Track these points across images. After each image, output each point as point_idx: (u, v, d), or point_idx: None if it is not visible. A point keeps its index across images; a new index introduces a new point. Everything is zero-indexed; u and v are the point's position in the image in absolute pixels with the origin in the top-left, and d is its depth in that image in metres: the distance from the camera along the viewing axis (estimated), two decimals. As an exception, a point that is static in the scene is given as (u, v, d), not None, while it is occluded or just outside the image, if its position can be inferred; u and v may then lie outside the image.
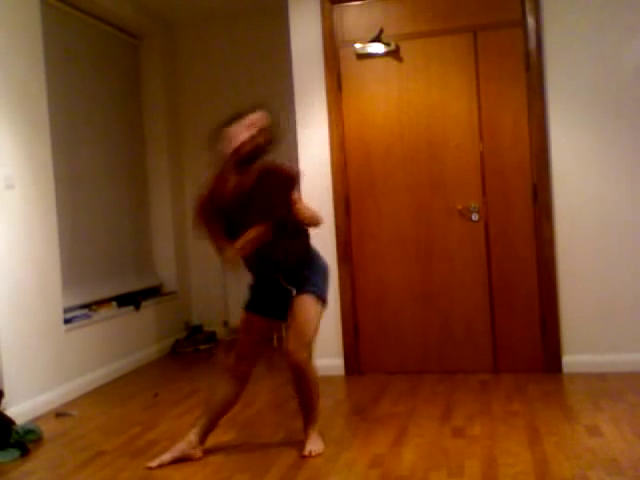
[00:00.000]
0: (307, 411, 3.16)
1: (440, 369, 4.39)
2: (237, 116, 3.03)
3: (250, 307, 3.17)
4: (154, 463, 3.05)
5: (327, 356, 4.54)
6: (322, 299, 3.11)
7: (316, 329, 3.09)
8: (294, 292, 3.08)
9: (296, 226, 3.09)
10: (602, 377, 4.03)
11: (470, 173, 4.32)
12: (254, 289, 3.19)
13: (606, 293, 4.15)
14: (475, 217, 4.32)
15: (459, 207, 4.34)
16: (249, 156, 3.00)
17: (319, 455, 3.06)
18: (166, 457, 3.09)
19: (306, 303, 3.06)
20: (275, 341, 5.47)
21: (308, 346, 3.04)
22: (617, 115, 4.11)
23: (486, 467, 2.80)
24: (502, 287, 4.31)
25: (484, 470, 2.77)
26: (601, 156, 4.14)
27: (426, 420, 3.47)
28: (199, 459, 3.10)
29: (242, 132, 2.98)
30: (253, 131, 2.99)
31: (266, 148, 3.04)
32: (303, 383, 3.08)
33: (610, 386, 3.87)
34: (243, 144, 2.97)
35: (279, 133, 3.10)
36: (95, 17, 5.23)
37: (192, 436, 3.13)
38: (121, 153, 5.60)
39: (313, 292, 3.07)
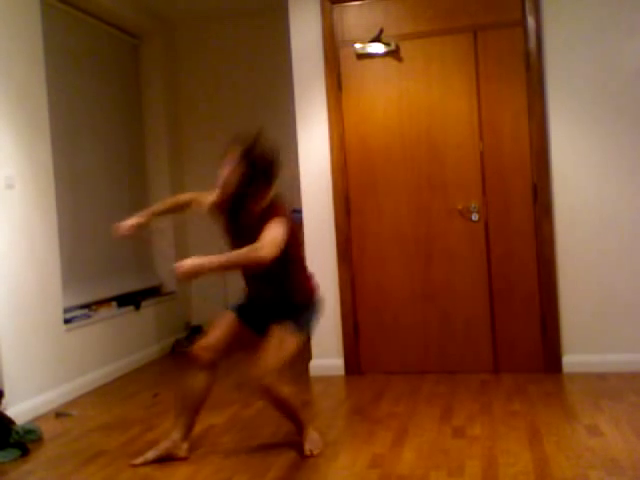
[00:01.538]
0: (293, 421, 3.16)
1: (440, 369, 4.39)
2: (234, 143, 3.01)
3: (233, 307, 3.19)
4: (138, 461, 3.07)
5: (327, 356, 4.54)
6: (302, 331, 3.08)
7: (286, 359, 3.02)
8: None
9: (287, 267, 3.03)
10: (602, 377, 4.03)
11: (470, 173, 4.32)
12: (244, 294, 3.21)
13: (606, 293, 4.15)
14: (475, 217, 4.32)
15: (459, 207, 4.34)
16: (238, 194, 2.96)
17: (320, 453, 3.07)
18: (150, 455, 3.09)
19: (282, 332, 3.01)
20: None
21: (272, 371, 2.96)
22: (617, 115, 4.11)
23: (486, 467, 2.80)
24: (502, 287, 4.31)
25: (484, 470, 2.78)
26: (601, 156, 4.14)
27: (426, 420, 3.47)
28: (185, 458, 3.10)
29: (221, 175, 3.00)
30: (228, 173, 2.96)
31: (257, 179, 2.95)
32: (275, 404, 3.07)
33: (610, 386, 3.87)
34: (224, 188, 2.99)
35: (268, 159, 3.00)
36: (95, 17, 5.23)
37: (175, 435, 3.13)
38: (121, 153, 5.60)
39: (292, 320, 3.03)
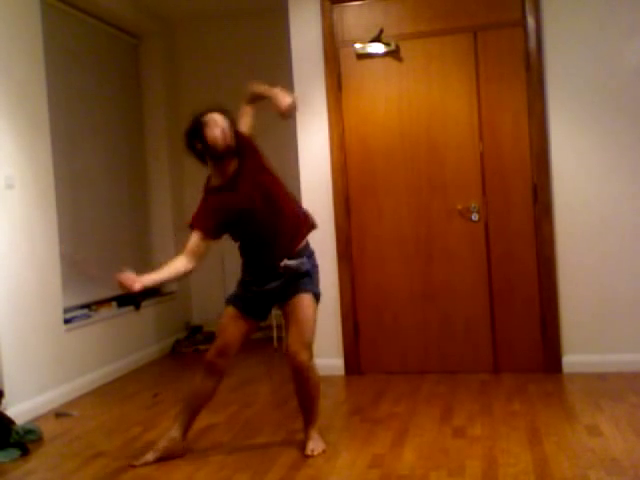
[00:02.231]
0: (307, 412, 3.16)
1: (440, 369, 4.38)
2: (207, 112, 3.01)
3: (234, 302, 3.15)
4: (138, 462, 3.07)
5: (327, 356, 4.54)
6: (317, 296, 3.13)
7: (315, 327, 3.09)
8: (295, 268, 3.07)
9: (293, 212, 3.11)
10: (602, 377, 4.03)
11: (470, 173, 4.32)
12: (243, 285, 3.17)
13: (606, 293, 4.15)
14: (475, 217, 4.32)
15: (459, 207, 4.34)
16: (229, 149, 2.97)
17: (321, 453, 3.07)
18: (150, 457, 3.10)
19: (305, 303, 3.05)
20: (275, 342, 5.48)
21: (309, 346, 3.04)
22: (617, 114, 4.11)
23: (486, 467, 2.80)
24: (502, 287, 4.31)
25: (484, 470, 2.77)
26: (601, 156, 4.14)
27: (426, 420, 3.47)
28: (182, 455, 3.12)
29: (222, 124, 2.97)
30: (227, 126, 2.98)
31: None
32: (304, 385, 3.08)
33: (610, 386, 3.87)
34: (228, 135, 2.96)
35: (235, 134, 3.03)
36: (95, 17, 5.23)
37: (174, 433, 3.14)
38: (121, 153, 5.60)
39: (311, 291, 3.08)
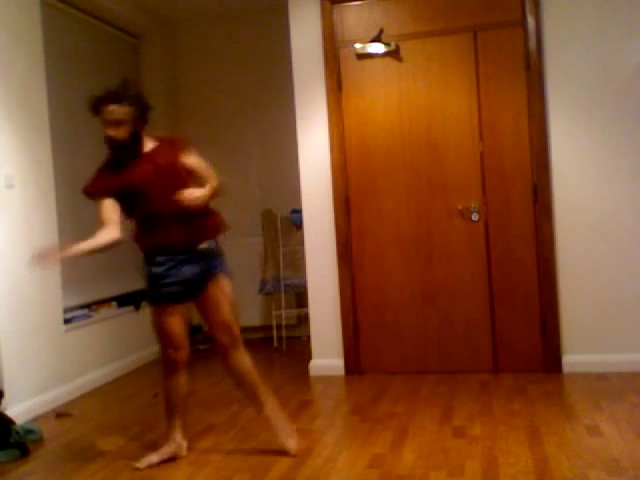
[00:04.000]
0: (255, 396, 3.12)
1: (440, 369, 4.39)
2: (107, 96, 3.24)
3: (161, 300, 3.07)
4: (142, 464, 3.06)
5: (327, 356, 4.54)
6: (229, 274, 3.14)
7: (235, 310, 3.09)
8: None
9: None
10: (602, 377, 4.03)
11: (470, 173, 4.32)
12: (156, 277, 3.13)
13: (606, 293, 4.15)
14: (475, 217, 4.32)
15: (459, 207, 4.34)
16: (128, 144, 3.18)
17: (299, 439, 3.10)
18: (154, 458, 3.10)
19: (226, 288, 3.08)
20: (275, 342, 5.48)
21: (240, 337, 3.08)
22: (617, 114, 4.11)
23: (486, 467, 2.80)
24: (502, 287, 4.31)
25: (484, 470, 2.77)
26: (601, 156, 4.14)
27: (426, 420, 3.47)
28: (185, 457, 3.12)
29: (111, 129, 3.20)
30: (120, 125, 3.21)
31: (140, 125, 3.20)
32: (240, 376, 3.11)
33: (610, 386, 3.87)
34: (114, 140, 3.21)
35: (145, 103, 3.22)
36: (95, 17, 5.23)
37: (175, 436, 3.15)
38: (121, 153, 5.60)
39: (227, 273, 3.11)
